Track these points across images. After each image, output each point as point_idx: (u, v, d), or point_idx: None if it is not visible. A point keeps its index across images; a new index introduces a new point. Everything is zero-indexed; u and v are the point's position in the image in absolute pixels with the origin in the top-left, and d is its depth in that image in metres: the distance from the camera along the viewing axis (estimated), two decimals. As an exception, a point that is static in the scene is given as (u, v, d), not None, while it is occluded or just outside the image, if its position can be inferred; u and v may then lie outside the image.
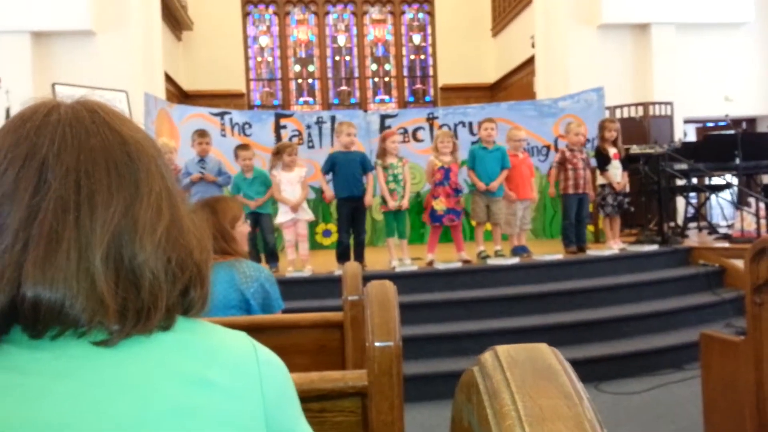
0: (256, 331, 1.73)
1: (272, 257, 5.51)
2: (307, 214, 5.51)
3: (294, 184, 5.38)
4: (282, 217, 5.41)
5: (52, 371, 0.58)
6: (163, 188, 0.66)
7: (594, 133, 6.50)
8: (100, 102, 0.68)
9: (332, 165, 5.38)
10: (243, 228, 2.42)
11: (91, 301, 0.59)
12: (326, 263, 5.55)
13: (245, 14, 12.65)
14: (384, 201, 5.42)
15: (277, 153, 5.43)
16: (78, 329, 0.59)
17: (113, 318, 0.60)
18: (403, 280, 4.71)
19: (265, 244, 5.61)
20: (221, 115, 7.57)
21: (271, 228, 5.66)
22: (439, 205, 5.34)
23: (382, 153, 5.44)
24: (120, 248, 0.61)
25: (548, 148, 7.68)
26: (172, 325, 0.64)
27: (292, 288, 4.59)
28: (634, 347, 4.46)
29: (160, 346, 0.62)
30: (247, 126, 7.60)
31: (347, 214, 5.36)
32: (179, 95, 10.69)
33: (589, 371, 4.18)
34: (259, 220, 5.52)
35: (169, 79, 9.58)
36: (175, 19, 10.85)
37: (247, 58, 12.59)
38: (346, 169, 5.33)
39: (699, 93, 9.11)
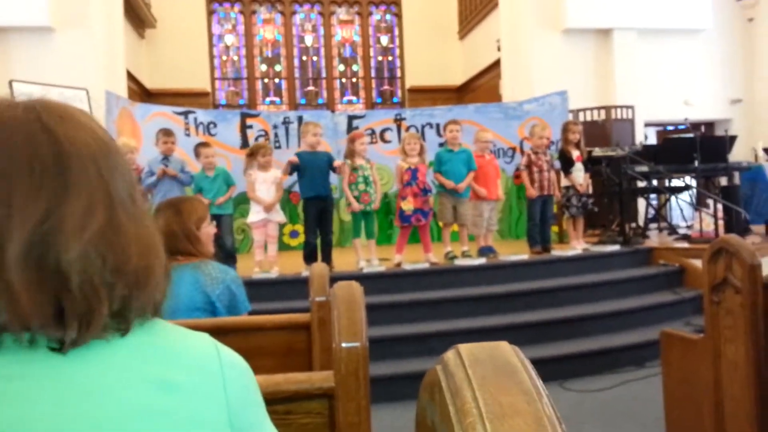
0: (221, 333, 1.75)
1: (229, 259, 5.45)
2: (279, 216, 5.47)
3: (269, 185, 5.34)
4: (254, 216, 5.36)
5: (6, 374, 0.57)
6: (99, 190, 0.63)
7: (558, 135, 6.60)
8: (45, 100, 0.66)
9: (298, 164, 5.35)
10: (209, 229, 2.39)
11: (13, 307, 0.57)
12: (293, 264, 5.53)
13: (210, 12, 12.49)
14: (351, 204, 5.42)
15: (252, 155, 5.39)
16: (18, 335, 0.58)
17: (49, 323, 0.58)
18: (371, 281, 4.73)
19: (223, 245, 5.54)
20: (185, 114, 7.47)
21: (230, 229, 5.59)
22: (407, 205, 5.37)
23: (351, 154, 5.44)
24: (43, 250, 0.59)
25: (513, 149, 7.78)
26: (128, 328, 0.62)
27: (258, 289, 4.54)
28: (597, 345, 4.53)
29: (119, 349, 0.61)
30: (212, 125, 7.50)
31: (314, 215, 5.34)
32: (142, 94, 10.50)
33: (554, 369, 4.24)
34: (219, 221, 5.43)
35: (131, 77, 9.39)
36: (137, 17, 10.66)
37: (212, 57, 12.43)
38: (313, 169, 5.30)
39: (659, 97, 9.35)
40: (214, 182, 5.52)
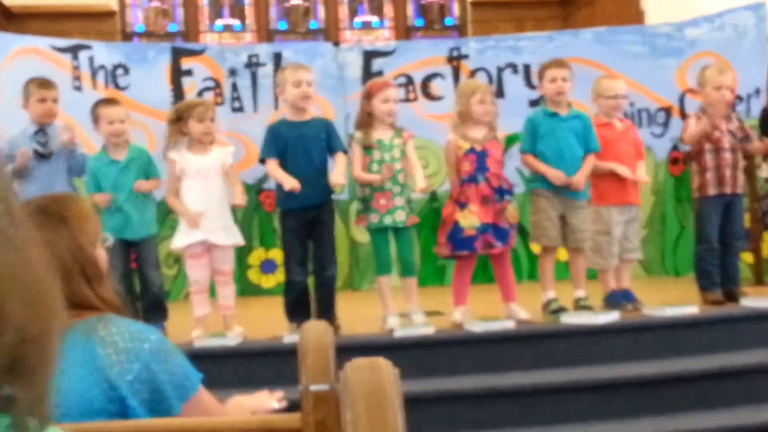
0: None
1: (155, 311, 5.46)
2: (232, 236, 5.48)
3: (210, 178, 5.35)
4: (183, 237, 5.39)
5: None
6: None
7: (753, 84, 6.52)
8: None
9: (275, 146, 5.32)
10: (102, 251, 2.40)
11: None
12: (268, 322, 5.62)
13: None
14: (363, 209, 5.44)
15: (178, 119, 5.40)
16: None
17: None
18: (410, 355, 4.81)
19: (145, 288, 5.54)
20: (74, 50, 7.61)
21: (156, 259, 5.68)
22: (468, 219, 5.35)
23: (366, 120, 5.40)
24: None
25: (668, 111, 7.79)
26: None
27: (206, 367, 4.45)
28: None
29: None
30: (120, 70, 7.68)
31: (299, 232, 5.35)
32: (-2, 15, 10.69)
33: None
34: (138, 248, 5.45)
35: (-22, -15, 9.56)
36: None
37: (120, -51, 12.61)
38: (299, 153, 5.33)
39: None
40: (126, 172, 5.56)
